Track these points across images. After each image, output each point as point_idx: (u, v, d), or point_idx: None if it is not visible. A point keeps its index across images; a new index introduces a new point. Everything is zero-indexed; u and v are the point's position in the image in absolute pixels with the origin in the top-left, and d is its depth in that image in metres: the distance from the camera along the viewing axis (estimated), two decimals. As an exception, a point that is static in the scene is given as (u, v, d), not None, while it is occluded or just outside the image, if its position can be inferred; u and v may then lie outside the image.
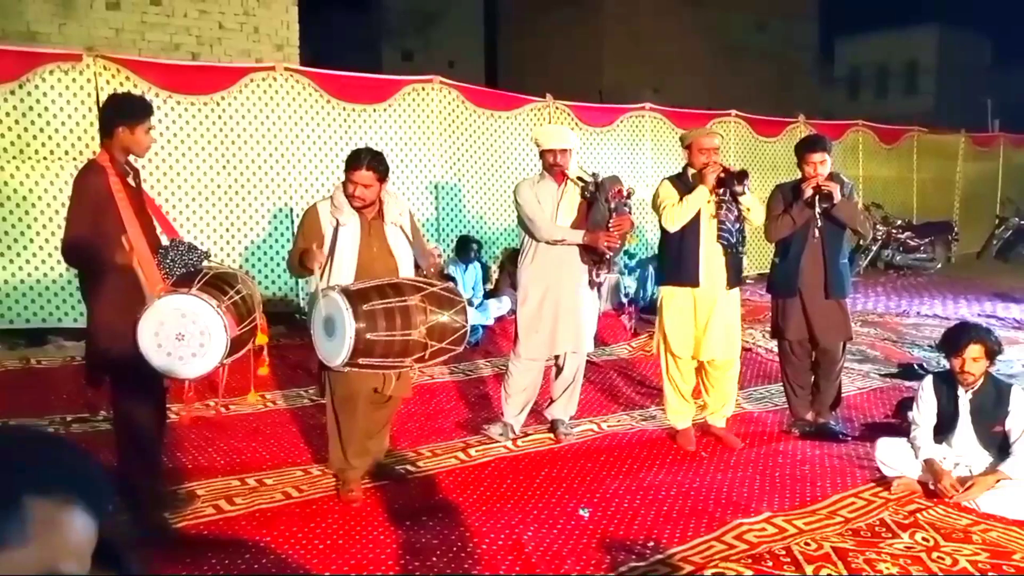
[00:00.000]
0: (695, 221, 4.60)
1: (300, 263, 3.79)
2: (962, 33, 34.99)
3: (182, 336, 3.22)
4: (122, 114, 3.49)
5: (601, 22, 26.85)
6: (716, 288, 4.64)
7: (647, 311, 8.56)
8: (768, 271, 5.30)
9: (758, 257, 11.07)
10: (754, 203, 4.63)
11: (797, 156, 4.91)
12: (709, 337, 4.67)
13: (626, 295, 8.47)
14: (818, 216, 4.70)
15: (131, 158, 3.59)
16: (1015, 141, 16.52)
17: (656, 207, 4.74)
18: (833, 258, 4.87)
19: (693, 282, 4.65)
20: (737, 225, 4.61)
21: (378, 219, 3.88)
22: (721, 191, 4.55)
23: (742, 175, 4.51)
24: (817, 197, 4.67)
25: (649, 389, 6.02)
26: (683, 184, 4.67)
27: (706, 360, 4.76)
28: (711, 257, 4.62)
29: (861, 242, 11.53)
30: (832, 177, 4.80)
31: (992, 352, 3.90)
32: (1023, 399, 3.92)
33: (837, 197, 4.66)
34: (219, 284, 3.39)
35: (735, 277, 4.69)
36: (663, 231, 4.76)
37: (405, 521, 3.63)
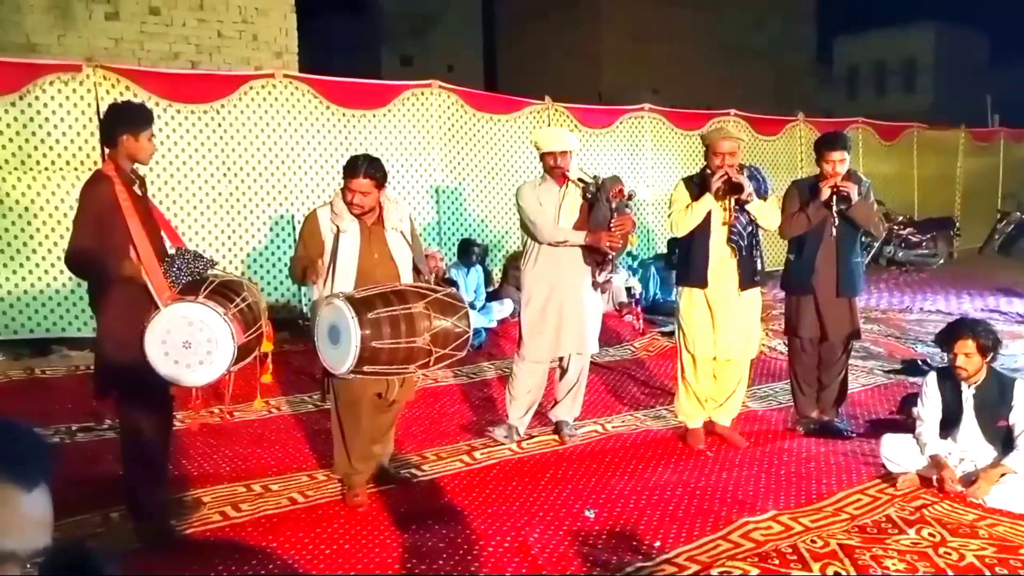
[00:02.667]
0: (706, 224, 4.62)
1: (302, 274, 3.81)
2: (959, 30, 34.96)
3: (189, 344, 3.22)
4: (125, 122, 3.49)
5: (599, 24, 26.86)
6: (727, 290, 4.63)
7: (650, 311, 8.58)
8: (781, 268, 5.29)
9: (769, 254, 11.07)
10: (762, 209, 4.59)
11: (816, 154, 4.90)
12: (723, 337, 4.67)
13: (631, 295, 8.47)
14: (835, 215, 4.71)
15: (136, 166, 3.60)
16: (1015, 136, 16.50)
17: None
18: (847, 256, 4.86)
19: (701, 283, 4.66)
20: (749, 228, 4.61)
21: (378, 225, 3.89)
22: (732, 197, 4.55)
23: (735, 187, 4.48)
24: (835, 198, 4.66)
25: (653, 389, 6.02)
26: (697, 186, 4.68)
27: (722, 359, 4.76)
28: (721, 259, 4.62)
29: (863, 239, 11.54)
30: (850, 176, 4.79)
31: (985, 348, 3.90)
32: (1027, 393, 3.92)
33: (855, 198, 4.65)
34: (225, 292, 3.40)
35: (748, 279, 4.65)
36: None
37: (411, 525, 3.64)
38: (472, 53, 33.78)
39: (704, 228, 4.62)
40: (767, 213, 4.63)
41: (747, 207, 4.54)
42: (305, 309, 7.43)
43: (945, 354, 4.13)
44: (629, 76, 25.06)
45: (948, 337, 4.00)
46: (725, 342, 4.68)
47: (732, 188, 4.50)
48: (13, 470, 0.90)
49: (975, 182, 15.40)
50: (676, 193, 4.77)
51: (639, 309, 8.21)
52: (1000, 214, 15.20)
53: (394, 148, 8.15)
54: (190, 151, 7.21)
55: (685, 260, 4.82)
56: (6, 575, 0.88)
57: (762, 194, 4.62)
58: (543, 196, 4.67)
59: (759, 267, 4.66)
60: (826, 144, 4.85)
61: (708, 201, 4.57)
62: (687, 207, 4.65)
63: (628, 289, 8.71)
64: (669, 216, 4.78)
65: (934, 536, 3.49)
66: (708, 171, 4.63)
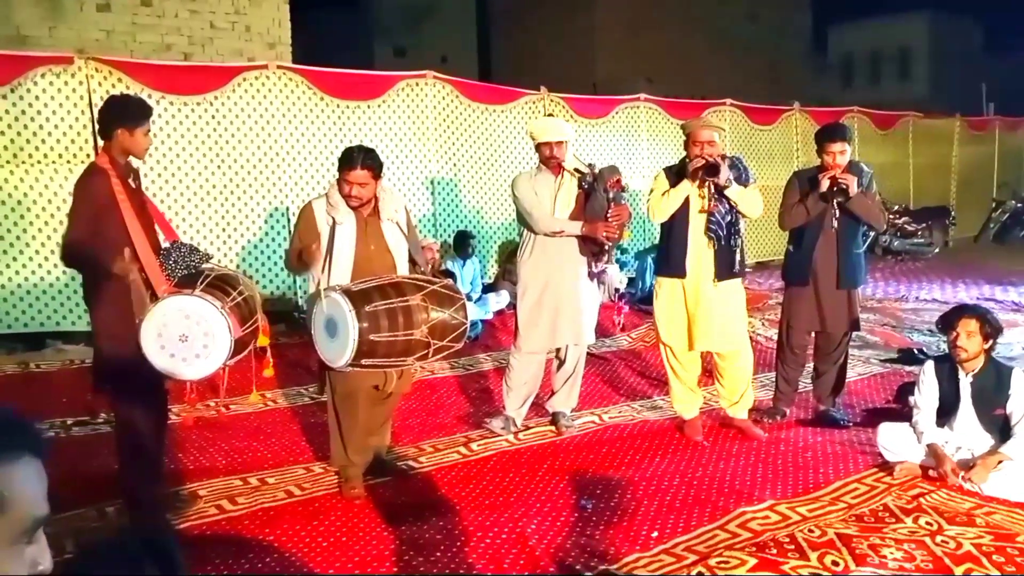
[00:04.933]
0: (684, 213, 4.59)
1: (299, 259, 3.79)
2: (953, 18, 34.96)
3: (186, 337, 3.21)
4: (121, 116, 3.47)
5: (594, 13, 26.77)
6: (704, 280, 4.61)
7: (646, 302, 8.58)
8: (781, 259, 5.28)
9: (758, 245, 11.08)
10: (742, 196, 4.53)
11: (817, 145, 4.87)
12: (699, 329, 4.64)
13: (616, 289, 8.45)
14: (835, 206, 4.69)
15: (130, 159, 3.58)
16: (1010, 124, 16.50)
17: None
18: (847, 248, 4.84)
19: (679, 273, 4.64)
20: (728, 218, 4.55)
21: (374, 216, 3.87)
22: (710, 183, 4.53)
23: (712, 168, 4.44)
24: (834, 190, 4.64)
25: (650, 379, 6.02)
26: (676, 174, 4.66)
27: (701, 351, 4.74)
28: (699, 249, 4.59)
29: (864, 230, 11.54)
30: (851, 167, 4.76)
31: (986, 331, 3.90)
32: (1024, 381, 3.93)
33: (853, 191, 4.63)
34: (222, 285, 3.38)
35: (725, 270, 4.60)
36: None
37: (408, 517, 3.63)
38: (466, 44, 33.61)
39: (683, 216, 4.59)
40: (748, 200, 4.55)
41: (726, 193, 4.49)
42: (301, 302, 7.42)
43: (943, 340, 4.13)
44: (624, 66, 25.00)
45: (952, 316, 4.00)
46: (701, 334, 4.65)
47: (708, 172, 4.46)
48: (27, 443, 0.96)
49: (970, 171, 15.41)
50: (656, 181, 4.75)
51: (623, 303, 8.18)
52: (995, 203, 15.23)
53: (389, 139, 8.12)
54: (183, 143, 7.17)
55: (665, 250, 4.78)
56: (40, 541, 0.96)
57: (742, 182, 4.56)
58: (539, 187, 4.65)
59: (738, 258, 4.60)
60: (826, 136, 4.83)
61: (685, 187, 4.54)
62: (663, 193, 4.63)
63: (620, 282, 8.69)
64: (648, 204, 4.76)
65: (931, 524, 3.50)
66: (687, 159, 4.62)
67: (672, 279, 4.70)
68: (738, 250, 4.60)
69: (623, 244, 8.34)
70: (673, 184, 4.61)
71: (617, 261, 8.86)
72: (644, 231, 10.04)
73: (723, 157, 4.57)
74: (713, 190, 4.51)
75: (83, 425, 4.88)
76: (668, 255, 4.73)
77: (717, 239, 4.55)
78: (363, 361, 3.53)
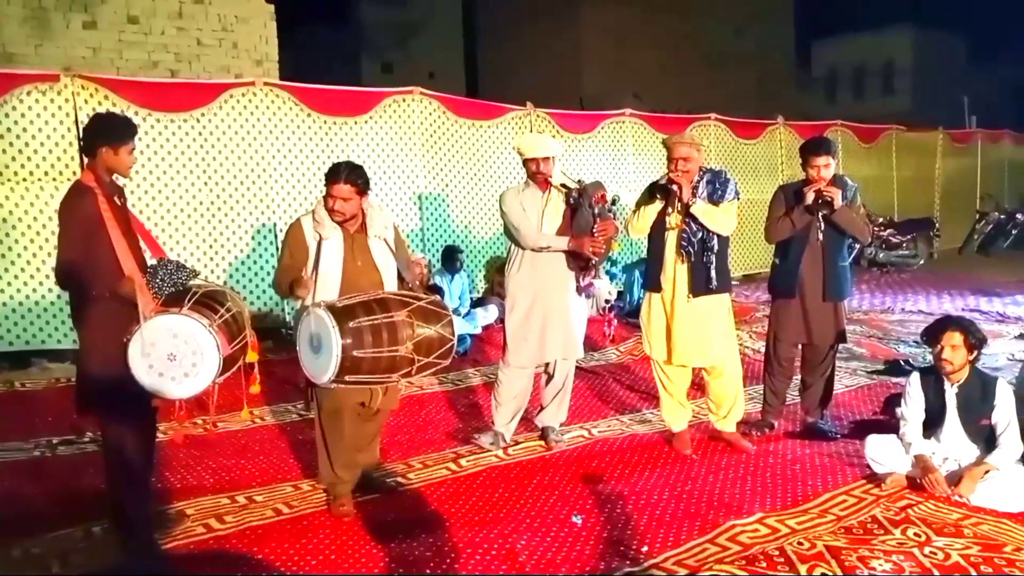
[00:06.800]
0: (661, 229, 4.65)
1: (290, 290, 3.78)
2: (937, 33, 35.37)
3: (174, 356, 3.19)
4: (105, 135, 3.45)
5: (580, 30, 26.97)
6: (679, 295, 4.64)
7: (634, 315, 8.59)
8: (768, 271, 5.31)
9: (745, 258, 11.13)
10: (707, 213, 4.52)
11: (801, 159, 4.90)
12: (676, 342, 4.67)
13: (607, 301, 8.47)
14: (820, 219, 4.73)
15: (114, 177, 3.57)
16: (992, 137, 16.70)
17: None
18: (832, 260, 4.87)
19: (655, 287, 4.72)
20: (700, 235, 4.57)
21: (361, 232, 3.87)
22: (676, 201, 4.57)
23: (662, 189, 4.54)
24: (818, 202, 4.68)
25: (639, 393, 6.03)
26: (649, 191, 4.73)
27: (677, 364, 4.75)
28: (673, 264, 4.63)
29: (850, 243, 11.62)
30: (835, 180, 4.80)
31: (971, 343, 3.93)
32: (1008, 392, 3.96)
33: (838, 203, 4.66)
34: (209, 303, 3.37)
35: (699, 286, 4.59)
36: None
37: (397, 534, 3.61)
38: (453, 60, 33.77)
39: (660, 232, 4.67)
40: (714, 218, 4.54)
41: (691, 210, 4.52)
42: (288, 318, 7.40)
43: (929, 352, 4.16)
44: (611, 81, 25.16)
45: (936, 329, 4.03)
46: (679, 348, 4.68)
47: (661, 191, 4.55)
48: None
49: (954, 183, 15.57)
50: (640, 197, 4.83)
51: (613, 315, 8.20)
52: (978, 214, 15.37)
53: (376, 155, 8.14)
54: (170, 160, 7.16)
55: (648, 264, 4.88)
56: None
57: (715, 199, 4.56)
58: (526, 202, 4.67)
59: (713, 274, 4.59)
60: (811, 149, 4.86)
61: (656, 204, 4.62)
62: (635, 210, 4.75)
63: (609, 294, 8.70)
64: (626, 219, 4.85)
65: (919, 536, 3.51)
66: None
67: (655, 293, 4.76)
68: (713, 267, 4.59)
69: (613, 256, 8.34)
70: (649, 200, 4.66)
71: (608, 273, 8.89)
72: (631, 244, 10.07)
73: (703, 171, 4.61)
74: (679, 207, 4.56)
75: (69, 444, 4.84)
76: (648, 270, 4.84)
77: (688, 256, 4.59)
78: (347, 377, 3.52)
